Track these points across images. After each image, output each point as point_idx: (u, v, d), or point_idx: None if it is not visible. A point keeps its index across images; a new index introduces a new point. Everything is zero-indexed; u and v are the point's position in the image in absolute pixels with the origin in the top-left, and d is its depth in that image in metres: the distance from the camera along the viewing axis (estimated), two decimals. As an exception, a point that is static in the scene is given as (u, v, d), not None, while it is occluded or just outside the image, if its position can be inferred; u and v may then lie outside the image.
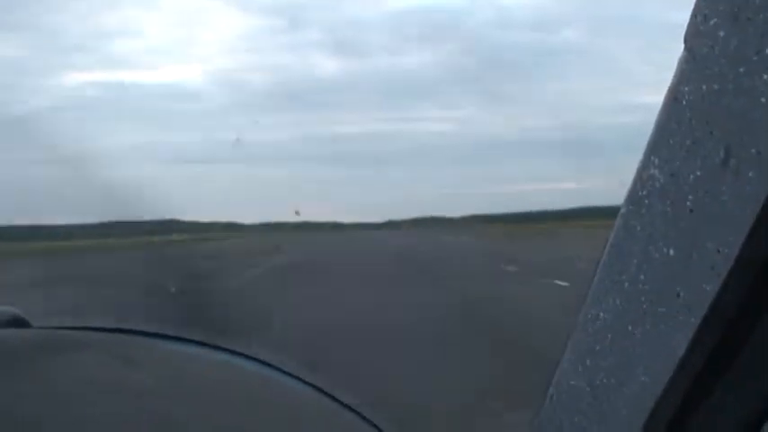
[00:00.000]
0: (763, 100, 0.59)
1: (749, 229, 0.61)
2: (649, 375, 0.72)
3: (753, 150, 0.60)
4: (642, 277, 0.71)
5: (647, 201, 0.70)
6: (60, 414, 1.24)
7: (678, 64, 0.67)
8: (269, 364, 1.54)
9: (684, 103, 0.65)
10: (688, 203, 0.65)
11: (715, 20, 0.63)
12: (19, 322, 1.46)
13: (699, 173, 0.64)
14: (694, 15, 0.65)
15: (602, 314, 0.77)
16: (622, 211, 0.74)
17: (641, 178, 0.71)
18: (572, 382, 0.83)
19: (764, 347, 0.68)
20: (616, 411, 0.76)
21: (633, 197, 0.72)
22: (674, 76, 0.67)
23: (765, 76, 0.59)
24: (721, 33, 0.62)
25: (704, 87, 0.64)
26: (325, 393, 1.46)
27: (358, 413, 1.42)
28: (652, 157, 0.69)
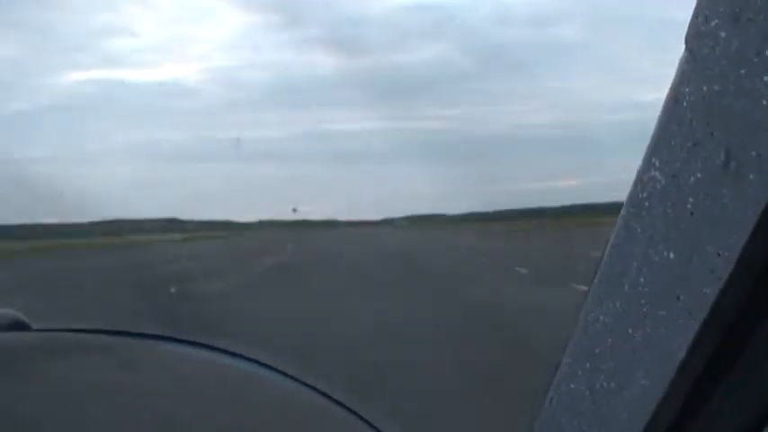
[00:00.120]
0: (764, 102, 0.58)
1: (750, 232, 0.60)
2: (649, 379, 0.71)
3: (753, 153, 0.59)
4: (642, 280, 0.71)
5: (647, 203, 0.70)
6: (60, 415, 1.25)
7: (679, 65, 0.66)
8: (267, 366, 1.54)
9: (685, 104, 0.65)
10: (689, 206, 0.65)
11: (716, 21, 0.62)
12: (19, 325, 1.47)
13: (699, 175, 0.64)
14: (695, 16, 0.65)
15: (602, 317, 0.77)
16: (623, 212, 0.74)
17: (642, 180, 0.70)
18: (572, 386, 0.82)
19: (765, 351, 0.67)
20: (616, 415, 0.76)
21: (633, 199, 0.72)
22: (675, 77, 0.67)
23: (766, 78, 0.58)
24: (722, 34, 0.62)
25: (705, 88, 0.63)
26: (322, 393, 1.46)
27: (353, 411, 1.42)
28: (653, 159, 0.69)
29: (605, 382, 0.77)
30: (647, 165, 0.69)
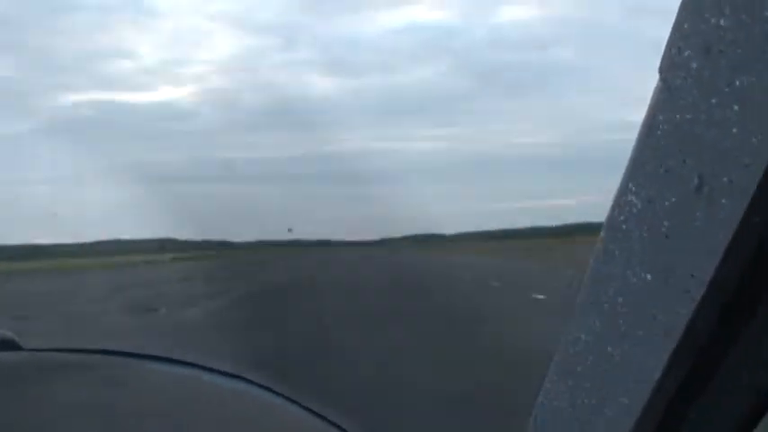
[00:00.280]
0: (734, 130, 0.60)
1: (722, 254, 0.62)
2: (628, 397, 0.73)
3: (725, 179, 0.61)
4: (621, 300, 0.73)
5: (624, 226, 0.72)
6: None
7: (653, 94, 0.69)
8: (252, 382, 1.56)
9: (659, 132, 0.67)
10: (663, 229, 0.67)
11: (689, 52, 0.65)
12: (9, 344, 1.48)
13: (674, 199, 0.66)
14: (669, 47, 0.67)
15: (583, 336, 0.79)
16: (602, 235, 0.76)
17: (619, 204, 0.72)
18: (555, 403, 0.84)
19: (738, 372, 0.69)
20: None
21: (612, 222, 0.74)
22: (650, 106, 0.69)
23: (736, 107, 0.60)
24: (694, 65, 0.64)
25: (678, 117, 0.65)
26: (310, 410, 1.47)
27: (343, 429, 1.43)
28: (629, 184, 0.71)
29: (586, 400, 0.79)
30: (624, 189, 0.72)
